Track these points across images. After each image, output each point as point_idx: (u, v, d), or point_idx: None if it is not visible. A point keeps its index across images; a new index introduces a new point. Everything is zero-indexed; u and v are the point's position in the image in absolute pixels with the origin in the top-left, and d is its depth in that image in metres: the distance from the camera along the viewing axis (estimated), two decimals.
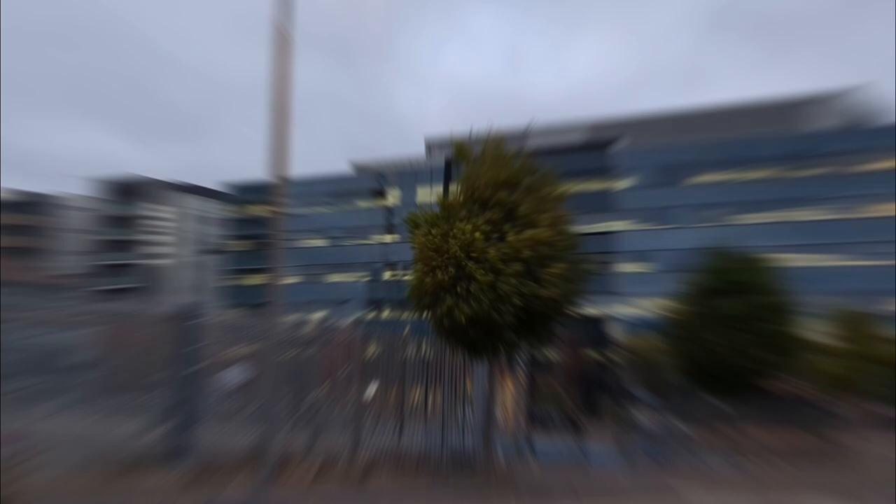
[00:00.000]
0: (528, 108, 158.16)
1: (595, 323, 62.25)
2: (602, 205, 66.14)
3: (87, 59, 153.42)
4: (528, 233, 11.04)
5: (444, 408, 14.84)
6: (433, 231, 11.41)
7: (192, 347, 11.06)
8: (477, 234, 10.98)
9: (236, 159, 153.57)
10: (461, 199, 11.74)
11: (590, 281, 12.15)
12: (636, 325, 53.21)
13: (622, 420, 31.86)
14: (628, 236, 65.28)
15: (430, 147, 77.63)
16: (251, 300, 75.22)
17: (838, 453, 21.66)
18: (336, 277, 76.93)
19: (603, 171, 66.83)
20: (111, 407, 11.61)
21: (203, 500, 9.01)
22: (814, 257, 56.16)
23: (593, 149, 67.19)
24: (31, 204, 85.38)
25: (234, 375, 13.25)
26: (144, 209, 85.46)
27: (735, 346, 18.90)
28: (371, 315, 63.33)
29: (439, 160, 69.75)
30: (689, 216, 61.27)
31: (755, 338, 18.87)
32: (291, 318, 17.71)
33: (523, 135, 67.47)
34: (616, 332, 57.44)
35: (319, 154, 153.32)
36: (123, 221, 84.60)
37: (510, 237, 11.02)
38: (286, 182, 9.88)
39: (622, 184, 66.41)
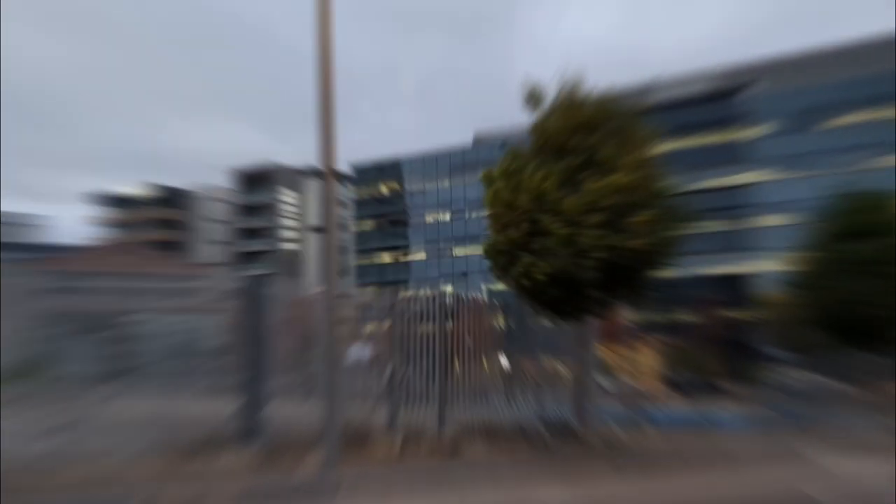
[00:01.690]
0: (654, 64, 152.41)
1: (735, 281, 59.31)
2: (735, 155, 62.62)
3: (216, 56, 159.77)
4: (608, 178, 9.97)
5: (550, 377, 14.04)
6: (501, 184, 10.53)
7: (260, 324, 10.73)
8: (546, 184, 10.01)
9: (363, 140, 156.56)
10: (535, 147, 10.79)
11: (686, 229, 10.90)
12: (780, 280, 50.07)
13: (761, 381, 29.98)
14: (765, 187, 61.43)
15: None
16: (381, 278, 76.51)
17: None
18: (462, 251, 76.53)
19: (733, 120, 63.12)
20: (193, 388, 11.57)
21: (272, 481, 8.63)
22: None
23: (721, 97, 63.46)
24: (172, 198, 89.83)
25: (358, 353, 13.07)
26: (276, 196, 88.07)
27: (869, 293, 16.78)
28: (497, 286, 62.99)
29: None
30: (831, 161, 56.86)
31: (890, 283, 16.74)
32: (421, 293, 17.49)
33: (646, 89, 64.81)
34: (759, 290, 54.45)
35: (445, 129, 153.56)
36: (257, 209, 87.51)
37: (587, 184, 9.99)
38: (333, 162, 9.33)
39: (755, 132, 62.46)
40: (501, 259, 10.59)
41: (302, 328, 12.30)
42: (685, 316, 53.88)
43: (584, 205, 9.90)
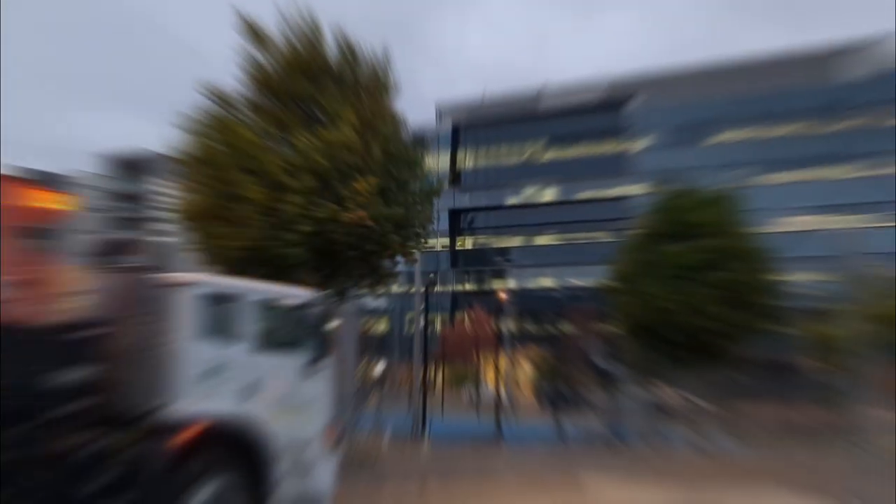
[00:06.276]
0: (549, 74, 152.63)
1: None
2: (617, 167, 62.34)
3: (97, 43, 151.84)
4: (324, 134, 8.07)
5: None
6: (202, 134, 8.48)
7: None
8: (249, 135, 8.03)
9: None
10: (250, 91, 8.80)
11: (430, 204, 9.10)
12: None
13: (612, 394, 28.84)
14: (645, 201, 61.31)
15: (441, 113, 74.06)
16: None
17: (840, 429, 18.09)
18: None
19: (619, 131, 62.81)
20: None
21: None
22: (845, 218, 51.49)
23: (609, 108, 63.07)
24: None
25: None
26: (151, 185, 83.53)
27: (687, 301, 14.85)
28: None
29: (447, 126, 66.82)
30: (713, 177, 56.94)
31: (711, 290, 14.84)
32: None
33: (537, 95, 63.05)
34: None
35: None
36: (130, 198, 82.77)
37: (298, 140, 8.06)
38: None
39: (639, 144, 62.26)
40: (196, 226, 8.54)
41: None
42: (563, 327, 53.15)
43: (291, 165, 7.97)
